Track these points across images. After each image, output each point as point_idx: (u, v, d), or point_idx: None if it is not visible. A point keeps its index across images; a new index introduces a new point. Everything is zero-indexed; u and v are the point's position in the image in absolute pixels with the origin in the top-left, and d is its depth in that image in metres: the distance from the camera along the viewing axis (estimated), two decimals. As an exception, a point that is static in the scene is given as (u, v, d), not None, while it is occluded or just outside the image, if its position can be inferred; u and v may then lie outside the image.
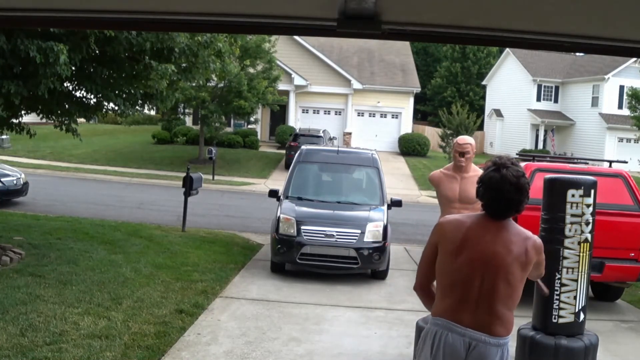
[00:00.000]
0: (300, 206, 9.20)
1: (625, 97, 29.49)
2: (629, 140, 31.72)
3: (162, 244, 9.85)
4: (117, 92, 8.28)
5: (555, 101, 36.57)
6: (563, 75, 36.44)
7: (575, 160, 10.58)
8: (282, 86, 28.69)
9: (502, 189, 2.73)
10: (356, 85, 32.27)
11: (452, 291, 2.79)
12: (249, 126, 30.12)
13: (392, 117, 33.63)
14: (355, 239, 8.57)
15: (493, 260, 2.73)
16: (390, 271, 9.03)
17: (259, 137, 30.68)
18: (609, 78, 32.61)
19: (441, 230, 2.88)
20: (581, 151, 32.33)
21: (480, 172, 5.48)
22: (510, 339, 2.84)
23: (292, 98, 31.68)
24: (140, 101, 8.78)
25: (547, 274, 5.18)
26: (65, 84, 7.58)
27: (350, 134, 32.33)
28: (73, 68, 7.05)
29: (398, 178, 23.79)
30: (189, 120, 30.73)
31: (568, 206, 5.08)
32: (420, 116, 50.01)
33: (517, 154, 12.82)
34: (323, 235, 8.60)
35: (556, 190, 5.19)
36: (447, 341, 2.75)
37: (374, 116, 33.72)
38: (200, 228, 12.02)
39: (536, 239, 2.85)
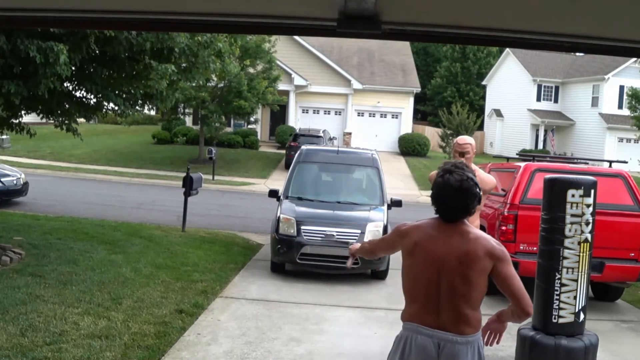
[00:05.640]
0: (300, 206, 9.19)
1: (625, 97, 29.48)
2: (629, 140, 31.73)
3: (162, 244, 9.85)
4: (117, 92, 8.28)
5: (555, 101, 36.57)
6: (563, 75, 36.44)
7: (575, 160, 10.58)
8: (282, 86, 28.69)
9: (446, 193, 2.86)
10: (356, 85, 32.27)
11: (416, 295, 2.95)
12: (249, 126, 30.12)
13: (392, 117, 33.63)
14: (355, 239, 8.56)
15: (444, 262, 2.83)
16: (390, 271, 9.02)
17: (259, 137, 30.68)
18: (609, 78, 32.61)
19: (398, 234, 3.07)
20: (581, 151, 32.34)
21: (480, 172, 5.51)
22: (480, 334, 2.93)
23: (292, 98, 31.68)
24: (140, 101, 8.78)
25: (547, 274, 5.21)
26: (65, 84, 7.57)
27: (350, 134, 32.33)
28: (73, 68, 7.04)
29: (398, 178, 23.80)
30: (189, 120, 30.73)
31: (568, 206, 5.08)
32: (420, 116, 50.03)
33: (517, 154, 12.84)
34: (323, 235, 8.60)
35: (556, 190, 5.19)
36: (417, 343, 2.85)
37: (374, 116, 33.72)
38: (200, 228, 12.02)
39: (487, 242, 2.85)
